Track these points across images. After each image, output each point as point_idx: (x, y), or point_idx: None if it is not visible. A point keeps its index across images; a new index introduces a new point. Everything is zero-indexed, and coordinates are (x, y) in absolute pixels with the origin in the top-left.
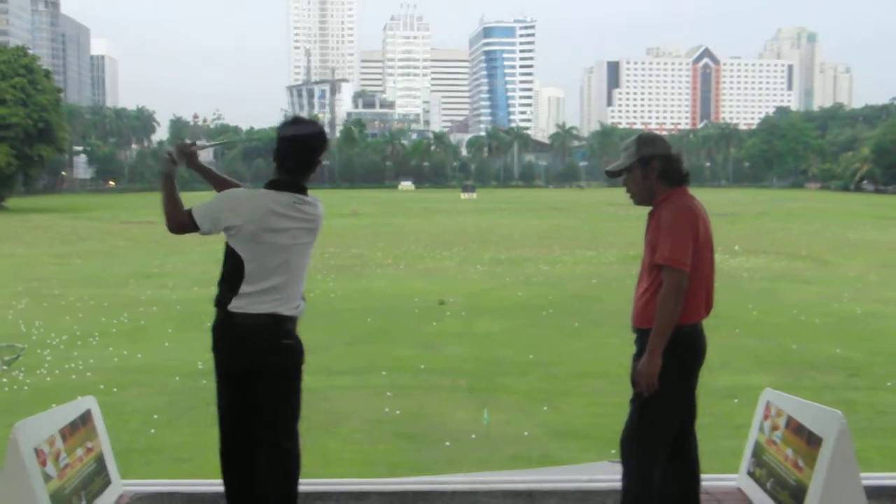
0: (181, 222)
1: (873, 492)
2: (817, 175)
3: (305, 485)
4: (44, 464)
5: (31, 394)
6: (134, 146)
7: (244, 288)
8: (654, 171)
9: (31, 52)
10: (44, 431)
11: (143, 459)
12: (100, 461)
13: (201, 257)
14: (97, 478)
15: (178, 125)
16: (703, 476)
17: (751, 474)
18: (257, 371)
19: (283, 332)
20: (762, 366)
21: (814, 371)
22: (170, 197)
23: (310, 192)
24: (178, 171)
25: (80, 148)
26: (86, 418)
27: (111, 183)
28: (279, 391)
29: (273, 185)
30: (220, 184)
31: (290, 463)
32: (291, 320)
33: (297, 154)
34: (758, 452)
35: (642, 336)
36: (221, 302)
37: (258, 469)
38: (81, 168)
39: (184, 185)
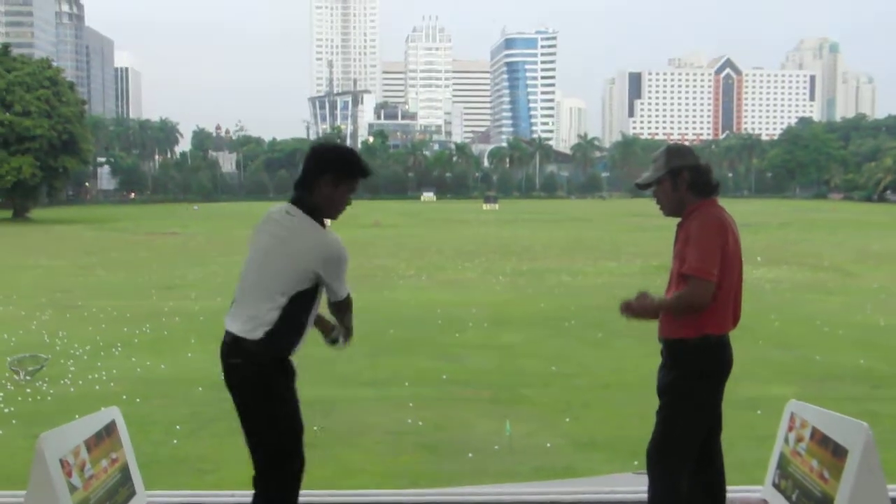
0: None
1: None
2: (840, 185)
3: (327, 496)
4: (69, 475)
5: (54, 404)
6: (157, 157)
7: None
8: (684, 182)
9: (55, 64)
10: (69, 442)
11: (166, 470)
12: (124, 472)
13: (223, 268)
14: (122, 489)
15: (200, 136)
16: (728, 487)
17: (776, 486)
18: (233, 397)
19: (234, 350)
20: (785, 377)
21: (837, 382)
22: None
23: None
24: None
25: (103, 159)
26: (110, 429)
27: (132, 195)
28: (249, 419)
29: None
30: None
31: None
32: (247, 341)
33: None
34: (783, 464)
35: (668, 347)
36: None
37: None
38: (105, 179)
39: (206, 196)
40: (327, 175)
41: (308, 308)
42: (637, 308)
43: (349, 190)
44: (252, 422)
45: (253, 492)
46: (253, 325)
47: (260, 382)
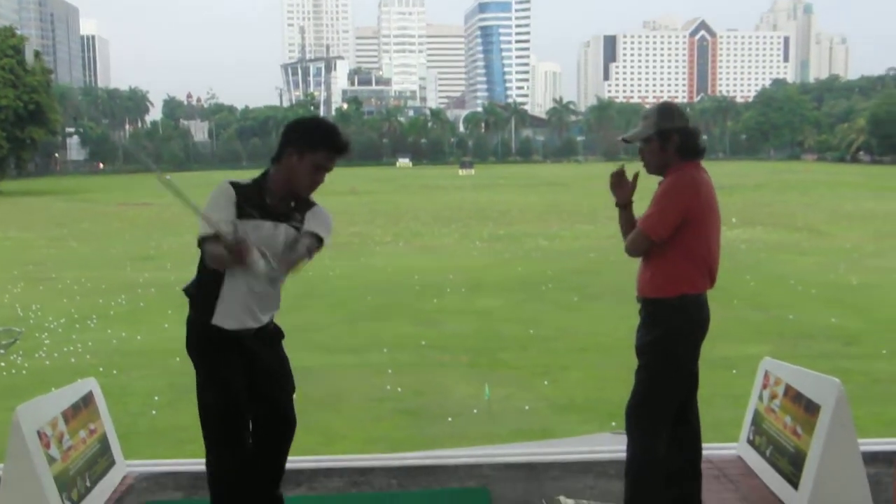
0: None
1: (870, 457)
2: (813, 147)
3: (310, 461)
4: (47, 446)
5: (29, 377)
6: (128, 127)
7: None
8: (673, 144)
9: (18, 32)
10: (46, 414)
11: (145, 441)
12: (103, 442)
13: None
14: (101, 459)
15: (171, 105)
16: (704, 445)
17: (751, 442)
18: None
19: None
20: (759, 336)
21: (810, 340)
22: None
23: None
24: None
25: (72, 129)
26: (87, 400)
27: (100, 165)
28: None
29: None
30: None
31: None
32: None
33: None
34: (757, 421)
35: (646, 306)
36: None
37: None
38: (74, 150)
39: (179, 166)
40: (291, 147)
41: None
42: (618, 184)
43: (315, 164)
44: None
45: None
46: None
47: (193, 341)
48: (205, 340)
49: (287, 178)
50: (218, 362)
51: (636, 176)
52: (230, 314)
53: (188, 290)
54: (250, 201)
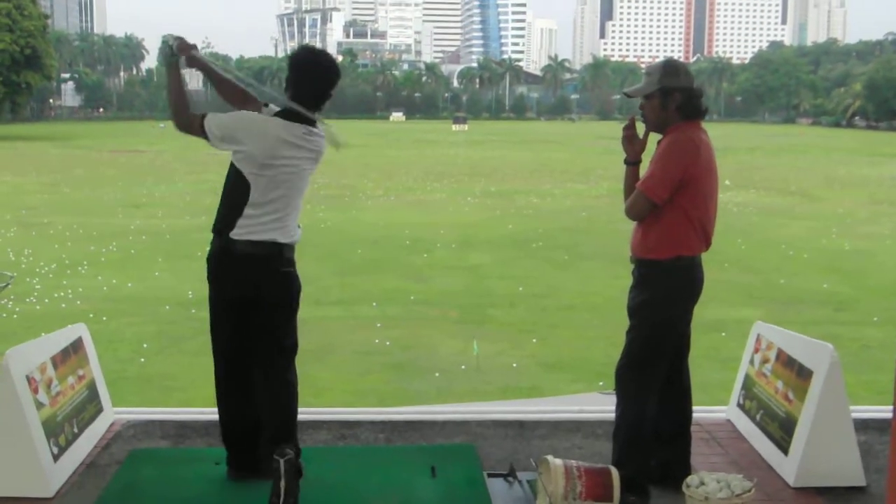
0: (189, 121)
1: (861, 424)
2: (809, 111)
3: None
4: (36, 391)
5: (20, 322)
6: (123, 74)
7: (248, 211)
8: (674, 103)
9: None
10: (35, 359)
11: (133, 388)
12: (92, 389)
13: (190, 186)
14: (89, 405)
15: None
16: (694, 408)
17: (741, 406)
18: (259, 300)
19: (283, 260)
20: (750, 300)
21: (801, 305)
22: (176, 90)
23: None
24: (182, 63)
25: (67, 75)
26: (77, 346)
27: (100, 111)
28: (280, 320)
29: (286, 114)
30: (223, 83)
31: (289, 391)
32: (290, 248)
33: (312, 84)
34: (748, 385)
35: (641, 267)
36: (222, 227)
37: (256, 397)
38: (69, 96)
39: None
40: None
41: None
42: (630, 139)
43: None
44: (294, 334)
45: (248, 417)
46: (295, 231)
47: (299, 288)
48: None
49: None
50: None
51: (647, 133)
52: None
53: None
54: None
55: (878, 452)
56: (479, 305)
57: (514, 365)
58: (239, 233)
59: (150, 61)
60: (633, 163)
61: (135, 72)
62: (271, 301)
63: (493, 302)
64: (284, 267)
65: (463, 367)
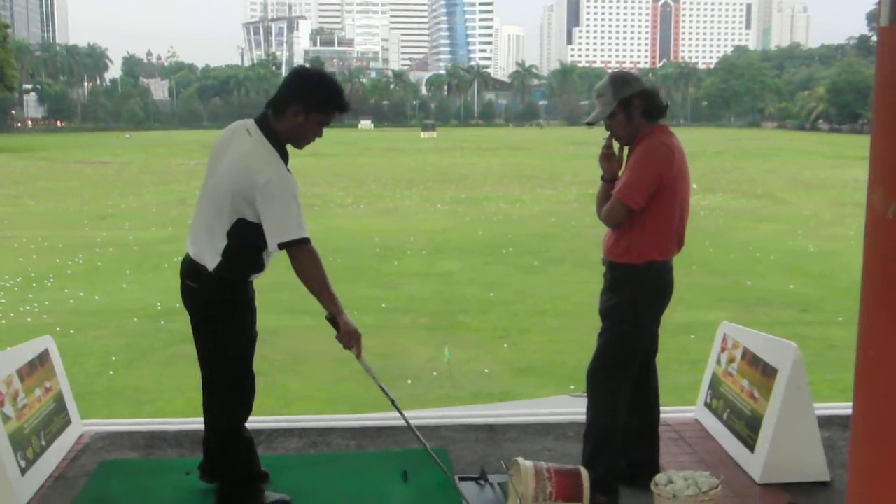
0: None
1: (825, 421)
2: (774, 114)
3: (269, 422)
4: (2, 404)
5: None
6: (87, 84)
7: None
8: (637, 110)
9: None
10: (0, 371)
11: (102, 402)
12: (59, 401)
13: (157, 198)
14: (57, 418)
15: (131, 63)
16: (662, 408)
17: (708, 406)
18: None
19: (188, 272)
20: (718, 302)
21: (768, 307)
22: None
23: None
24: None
25: (29, 86)
26: (43, 358)
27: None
28: (197, 333)
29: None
30: None
31: (212, 406)
32: (195, 264)
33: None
34: (714, 384)
35: (613, 270)
36: None
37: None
38: (32, 107)
39: (138, 124)
40: (298, 103)
41: (260, 238)
42: (606, 159)
43: (321, 123)
44: (211, 348)
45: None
46: (207, 251)
47: (211, 308)
48: (240, 295)
49: (290, 133)
50: (248, 318)
51: (621, 149)
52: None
53: (221, 263)
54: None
55: (841, 448)
56: (451, 312)
57: (486, 371)
58: None
59: (115, 71)
60: (609, 180)
61: (99, 82)
62: (190, 314)
63: (464, 308)
64: (189, 281)
65: (435, 373)
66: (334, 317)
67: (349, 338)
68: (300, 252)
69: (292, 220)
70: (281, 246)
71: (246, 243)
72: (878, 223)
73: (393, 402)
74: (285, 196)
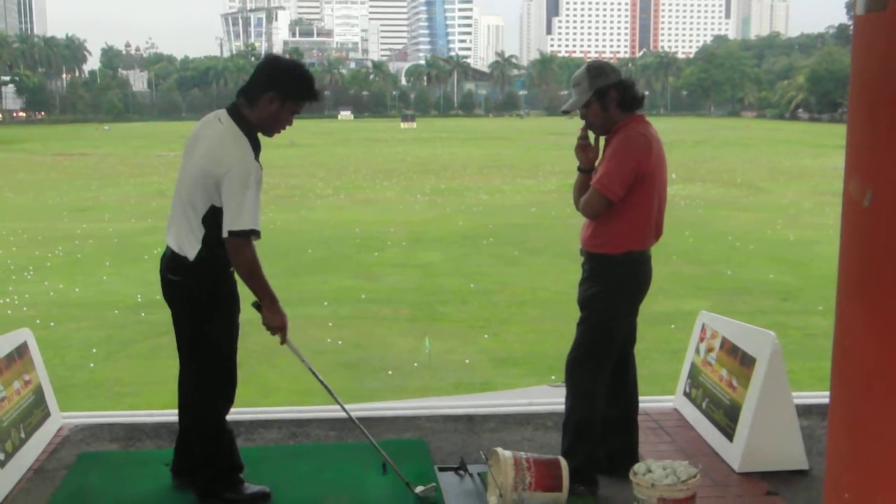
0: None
1: (803, 410)
2: (754, 103)
3: (248, 413)
4: None
5: None
6: (65, 76)
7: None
8: (613, 101)
9: None
10: None
11: (83, 394)
12: (38, 394)
13: (136, 189)
14: (36, 410)
15: (110, 54)
16: (641, 398)
17: (687, 395)
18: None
19: (169, 266)
20: (698, 291)
21: (748, 296)
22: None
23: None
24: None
25: (7, 78)
26: (22, 351)
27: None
28: (179, 327)
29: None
30: None
31: (193, 400)
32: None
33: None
34: (693, 374)
35: (591, 260)
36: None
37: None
38: (10, 99)
39: (117, 116)
40: (274, 91)
41: None
42: (582, 150)
43: (293, 111)
44: (191, 337)
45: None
46: (187, 241)
47: (195, 301)
48: (223, 285)
49: (262, 121)
50: (232, 309)
51: (597, 139)
52: None
53: (201, 252)
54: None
55: (820, 436)
56: (431, 303)
57: (467, 361)
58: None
59: (93, 63)
60: (586, 170)
61: (77, 73)
62: (173, 312)
63: (444, 299)
64: (171, 274)
65: (415, 364)
66: (260, 304)
67: (273, 325)
68: (244, 243)
69: (246, 210)
70: (230, 233)
71: (221, 230)
72: (854, 212)
73: (326, 386)
74: (245, 185)
